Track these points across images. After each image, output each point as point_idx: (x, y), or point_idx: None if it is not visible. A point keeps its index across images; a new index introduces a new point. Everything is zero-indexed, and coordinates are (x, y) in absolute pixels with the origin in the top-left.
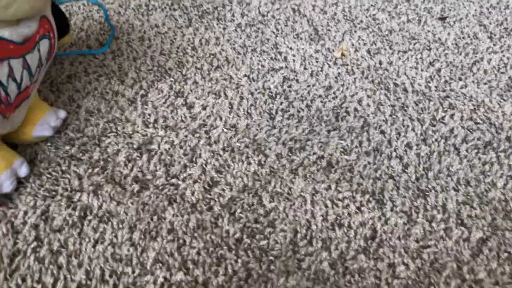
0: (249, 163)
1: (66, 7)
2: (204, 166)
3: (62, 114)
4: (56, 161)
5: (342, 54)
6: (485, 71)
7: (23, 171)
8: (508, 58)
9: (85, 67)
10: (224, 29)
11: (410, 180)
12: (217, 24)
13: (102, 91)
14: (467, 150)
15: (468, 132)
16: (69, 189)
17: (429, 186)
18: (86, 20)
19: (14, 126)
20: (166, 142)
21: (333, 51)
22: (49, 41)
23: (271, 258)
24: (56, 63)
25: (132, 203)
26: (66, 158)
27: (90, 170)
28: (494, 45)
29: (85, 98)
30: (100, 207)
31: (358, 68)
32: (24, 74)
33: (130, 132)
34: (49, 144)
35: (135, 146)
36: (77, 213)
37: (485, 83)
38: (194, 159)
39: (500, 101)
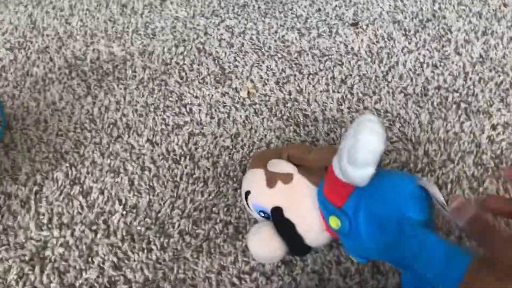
0: (151, 250)
1: None
2: (101, 265)
3: None
4: None
5: (249, 93)
6: (400, 77)
7: None
8: (424, 56)
9: None
10: (125, 89)
11: None
12: (118, 85)
13: None
14: None
15: (384, 155)
16: None
17: None
18: None
19: None
20: (60, 244)
21: (241, 90)
22: None
23: None
24: None
25: None
26: None
27: None
28: (409, 43)
29: None
30: None
31: (266, 106)
32: None
33: (23, 241)
34: None
35: (27, 258)
36: None
37: (401, 92)
38: (90, 259)
39: (417, 110)
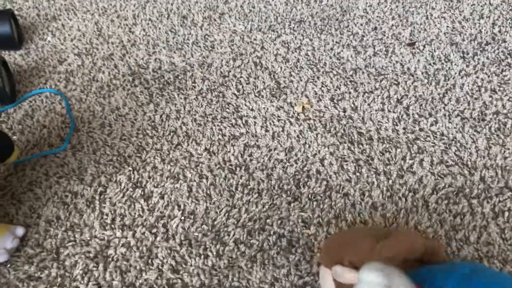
0: (207, 256)
1: (29, 102)
2: (160, 267)
3: (20, 232)
4: (15, 284)
5: (303, 108)
6: (457, 100)
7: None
8: (482, 80)
9: (46, 169)
10: (185, 99)
11: None
12: (178, 94)
13: (61, 194)
14: (437, 202)
15: (439, 178)
16: None
17: None
18: (48, 114)
19: None
20: (122, 244)
21: (295, 105)
22: None
23: None
24: (18, 170)
25: None
26: (25, 279)
27: None
28: (467, 66)
29: (45, 205)
30: None
31: (320, 122)
32: None
33: (88, 239)
34: (8, 266)
35: (91, 255)
36: None
37: (457, 115)
38: (150, 261)
39: (474, 134)
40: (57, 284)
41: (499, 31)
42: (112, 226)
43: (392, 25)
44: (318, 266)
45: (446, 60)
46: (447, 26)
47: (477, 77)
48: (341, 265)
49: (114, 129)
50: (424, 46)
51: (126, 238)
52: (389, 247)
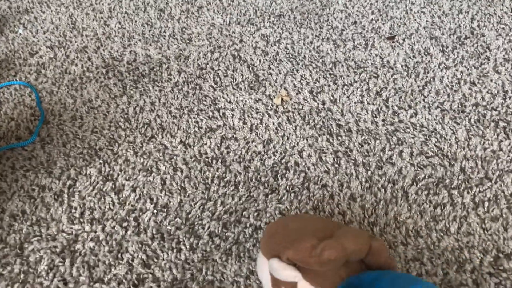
0: (180, 250)
1: None
2: (130, 261)
3: None
4: None
5: (282, 100)
6: (437, 92)
7: None
8: (461, 73)
9: (13, 162)
10: (160, 91)
11: None
12: (153, 87)
13: (28, 188)
14: (416, 193)
15: (419, 169)
16: None
17: None
18: (17, 106)
19: None
20: (91, 239)
21: (274, 97)
22: None
23: None
24: None
25: None
26: None
27: (9, 287)
28: (447, 59)
29: (10, 199)
30: None
31: (299, 114)
32: None
33: (55, 233)
34: None
35: (58, 250)
36: None
37: (437, 107)
38: (119, 255)
39: (454, 126)
40: (20, 280)
41: (478, 26)
42: (81, 220)
43: (372, 19)
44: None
45: (426, 53)
46: (427, 21)
47: (457, 70)
48: (279, 259)
49: (86, 122)
50: (403, 40)
51: (95, 232)
52: (331, 250)
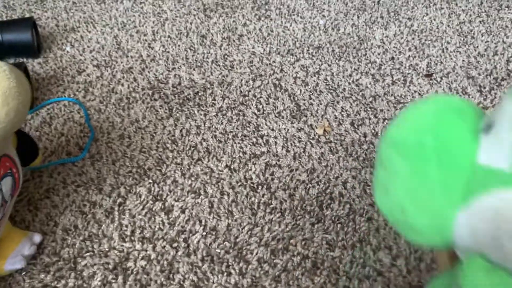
0: (229, 274)
1: (47, 110)
2: (181, 282)
3: (37, 239)
4: None
5: (325, 131)
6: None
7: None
8: None
9: (64, 177)
10: (205, 115)
11: (401, 275)
12: (198, 110)
13: (79, 203)
14: None
15: None
16: None
17: (422, 280)
18: (67, 122)
19: None
20: (142, 257)
21: (316, 127)
22: (12, 177)
23: None
24: (35, 176)
25: None
26: None
27: None
28: (484, 99)
29: (63, 214)
30: None
31: (341, 145)
32: None
33: (107, 250)
34: (23, 273)
35: (111, 267)
36: None
37: None
38: (171, 275)
39: None
40: None
41: None
42: (132, 238)
43: (409, 56)
44: None
45: (464, 92)
46: (463, 60)
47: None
48: None
49: (134, 141)
50: (441, 78)
51: (146, 251)
52: None
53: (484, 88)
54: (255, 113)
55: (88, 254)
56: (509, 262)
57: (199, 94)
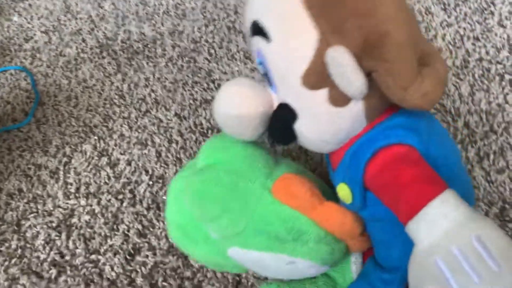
0: None
1: None
2: (126, 232)
3: None
4: None
5: None
6: (439, 50)
7: None
8: (464, 29)
9: (9, 144)
10: (154, 66)
11: None
12: (147, 63)
13: (24, 167)
14: None
15: None
16: None
17: None
18: (13, 90)
19: None
20: (87, 212)
21: None
22: None
23: None
24: None
25: None
26: None
27: (7, 263)
28: (449, 16)
29: (7, 179)
30: None
31: None
32: None
33: (51, 209)
34: None
35: (54, 225)
36: None
37: None
38: (115, 226)
39: (457, 82)
40: (17, 255)
41: None
42: (77, 195)
43: None
44: None
45: (427, 12)
46: None
47: (459, 27)
48: (349, 52)
49: (80, 101)
50: None
51: (91, 206)
52: (434, 96)
53: (449, 5)
54: (207, 59)
55: (32, 215)
56: None
57: (149, 46)
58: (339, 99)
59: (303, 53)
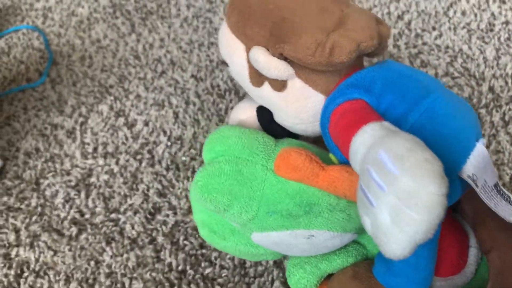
0: None
1: (5, 40)
2: (145, 191)
3: None
4: None
5: None
6: (463, 13)
7: None
8: None
9: (25, 103)
10: (169, 27)
11: None
12: (162, 23)
13: (41, 127)
14: None
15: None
16: (6, 245)
17: None
18: (26, 50)
19: None
20: (105, 172)
21: None
22: None
23: (217, 287)
24: None
25: (69, 249)
26: (3, 210)
27: (27, 220)
28: None
29: (24, 139)
30: (37, 260)
31: None
32: None
33: (69, 168)
34: None
35: (73, 184)
36: (13, 272)
37: (463, 27)
38: (134, 186)
39: (481, 45)
40: (38, 213)
41: None
42: (94, 155)
43: None
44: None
45: None
46: None
47: None
48: (266, 50)
49: (95, 61)
50: None
51: (109, 165)
52: (342, 48)
53: None
54: (222, 19)
55: (50, 174)
56: None
57: (163, 6)
58: (278, 85)
59: (241, 63)
